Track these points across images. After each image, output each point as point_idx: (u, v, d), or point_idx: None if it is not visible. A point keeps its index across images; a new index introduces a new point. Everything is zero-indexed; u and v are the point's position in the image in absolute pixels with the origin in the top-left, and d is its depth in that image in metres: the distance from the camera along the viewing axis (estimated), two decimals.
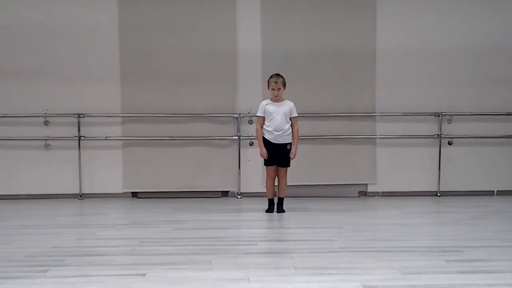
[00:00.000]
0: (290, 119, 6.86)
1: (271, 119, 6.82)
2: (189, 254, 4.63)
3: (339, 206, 7.58)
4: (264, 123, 6.87)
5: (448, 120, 8.51)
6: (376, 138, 8.49)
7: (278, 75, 6.85)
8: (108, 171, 8.34)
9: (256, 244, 5.04)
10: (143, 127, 8.31)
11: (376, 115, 8.46)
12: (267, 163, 6.94)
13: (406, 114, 8.47)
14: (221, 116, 8.36)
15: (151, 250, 4.79)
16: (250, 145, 8.38)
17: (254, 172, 8.36)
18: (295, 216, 6.66)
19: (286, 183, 6.97)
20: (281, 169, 6.93)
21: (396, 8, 8.44)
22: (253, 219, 6.58)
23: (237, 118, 8.31)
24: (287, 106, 6.85)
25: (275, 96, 6.82)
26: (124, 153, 8.36)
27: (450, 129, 8.53)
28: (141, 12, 8.25)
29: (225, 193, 8.52)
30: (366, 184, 8.59)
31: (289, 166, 6.94)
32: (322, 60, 8.35)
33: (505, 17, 8.53)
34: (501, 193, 8.65)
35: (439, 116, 8.45)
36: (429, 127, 8.53)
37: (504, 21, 8.52)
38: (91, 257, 4.52)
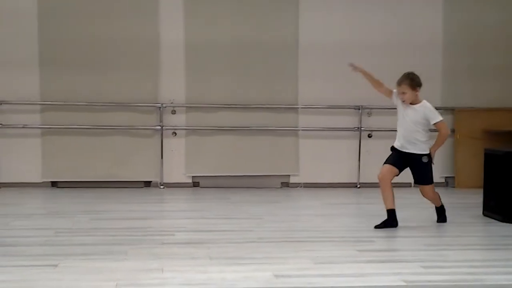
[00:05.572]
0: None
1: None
2: (105, 244, 4.58)
3: (261, 197, 7.65)
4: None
5: (368, 113, 8.70)
6: (299, 130, 8.59)
7: (405, 75, 5.78)
8: (26, 160, 8.11)
9: (174, 235, 5.03)
10: (63, 116, 8.12)
11: (298, 108, 8.56)
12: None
13: (328, 107, 8.59)
14: (143, 105, 8.28)
15: (66, 240, 4.72)
16: (173, 135, 8.34)
17: (177, 163, 8.32)
18: (215, 207, 6.69)
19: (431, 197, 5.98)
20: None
21: (319, 1, 8.54)
22: (174, 210, 6.59)
23: (160, 108, 8.24)
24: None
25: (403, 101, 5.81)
26: (43, 142, 8.16)
27: (370, 122, 8.73)
28: None
29: (147, 184, 8.44)
30: (289, 176, 8.69)
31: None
32: (245, 52, 8.37)
33: (429, 12, 8.70)
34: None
35: (359, 109, 8.62)
36: (350, 120, 8.68)
37: (428, 16, 8.70)
38: (1, 248, 4.41)
